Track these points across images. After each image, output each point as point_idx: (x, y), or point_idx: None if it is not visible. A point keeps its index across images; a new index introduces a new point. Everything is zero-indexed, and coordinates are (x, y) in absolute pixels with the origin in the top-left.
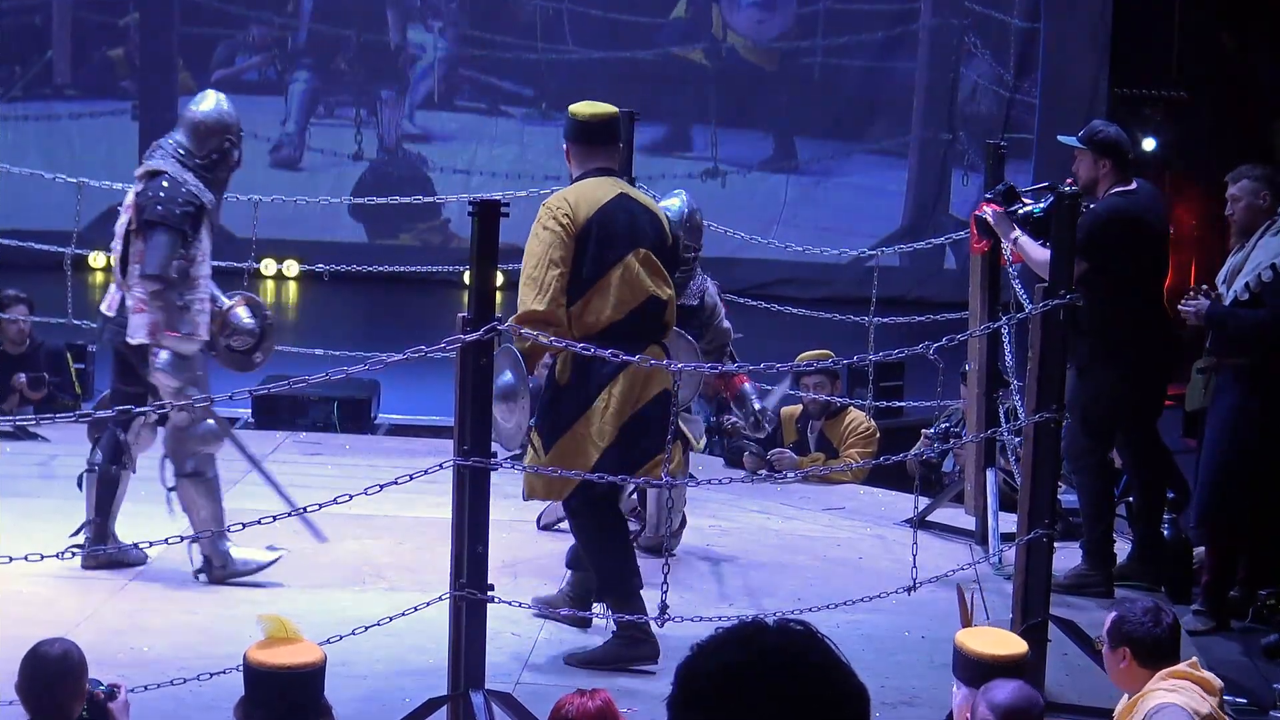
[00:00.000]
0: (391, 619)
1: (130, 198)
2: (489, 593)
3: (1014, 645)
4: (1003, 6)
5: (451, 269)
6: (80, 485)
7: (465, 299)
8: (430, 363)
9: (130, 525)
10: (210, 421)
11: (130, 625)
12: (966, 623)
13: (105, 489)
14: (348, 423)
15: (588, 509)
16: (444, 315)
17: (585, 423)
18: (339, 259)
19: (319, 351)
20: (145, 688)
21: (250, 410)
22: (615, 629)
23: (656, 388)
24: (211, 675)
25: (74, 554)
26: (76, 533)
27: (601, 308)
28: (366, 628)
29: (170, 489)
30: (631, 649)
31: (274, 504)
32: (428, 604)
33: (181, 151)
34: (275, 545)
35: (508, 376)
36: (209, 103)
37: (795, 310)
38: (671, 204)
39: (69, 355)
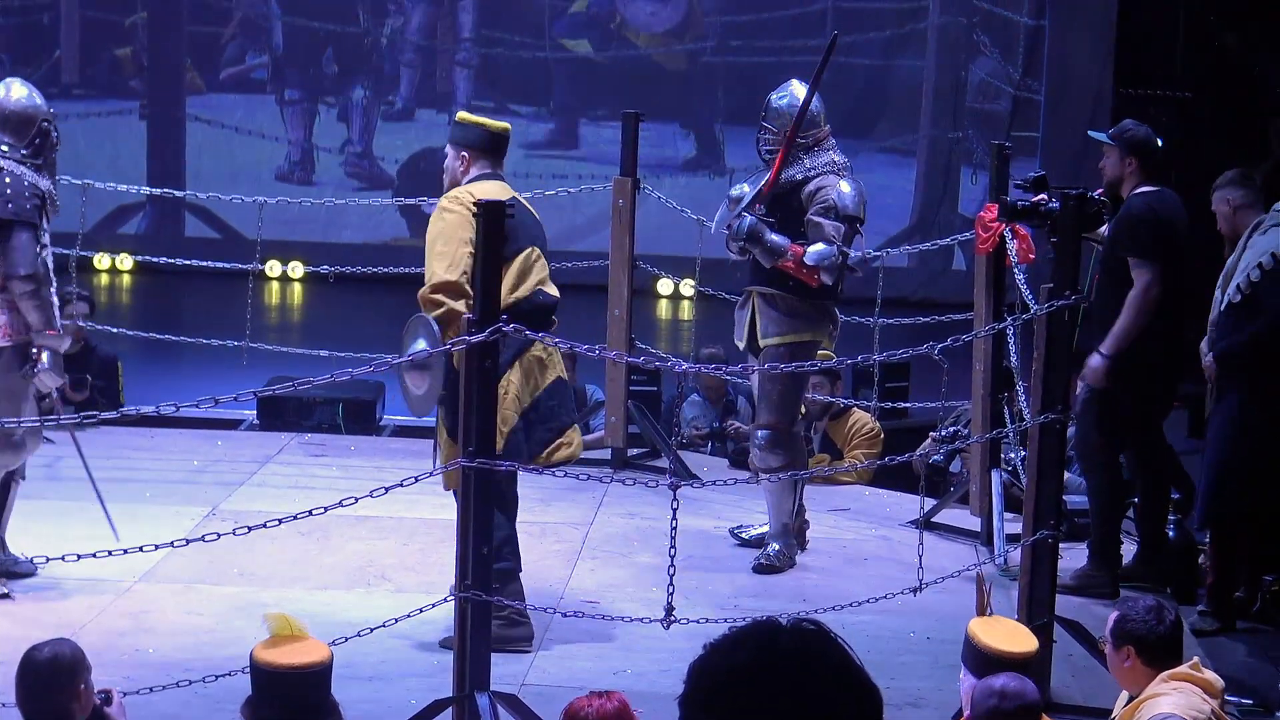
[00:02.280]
0: (397, 620)
1: None
2: (493, 594)
3: (1025, 642)
4: (1011, 4)
5: None
6: None
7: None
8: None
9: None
10: (18, 435)
11: (135, 627)
12: (982, 612)
13: None
14: (353, 424)
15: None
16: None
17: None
18: (344, 260)
19: (324, 353)
20: (150, 689)
21: (255, 412)
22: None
23: (552, 375)
24: (218, 676)
25: None
26: None
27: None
28: (372, 629)
29: None
30: (508, 629)
31: (281, 505)
32: (433, 605)
33: (4, 147)
34: (9, 586)
35: (421, 344)
36: (14, 92)
37: None
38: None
39: (120, 364)
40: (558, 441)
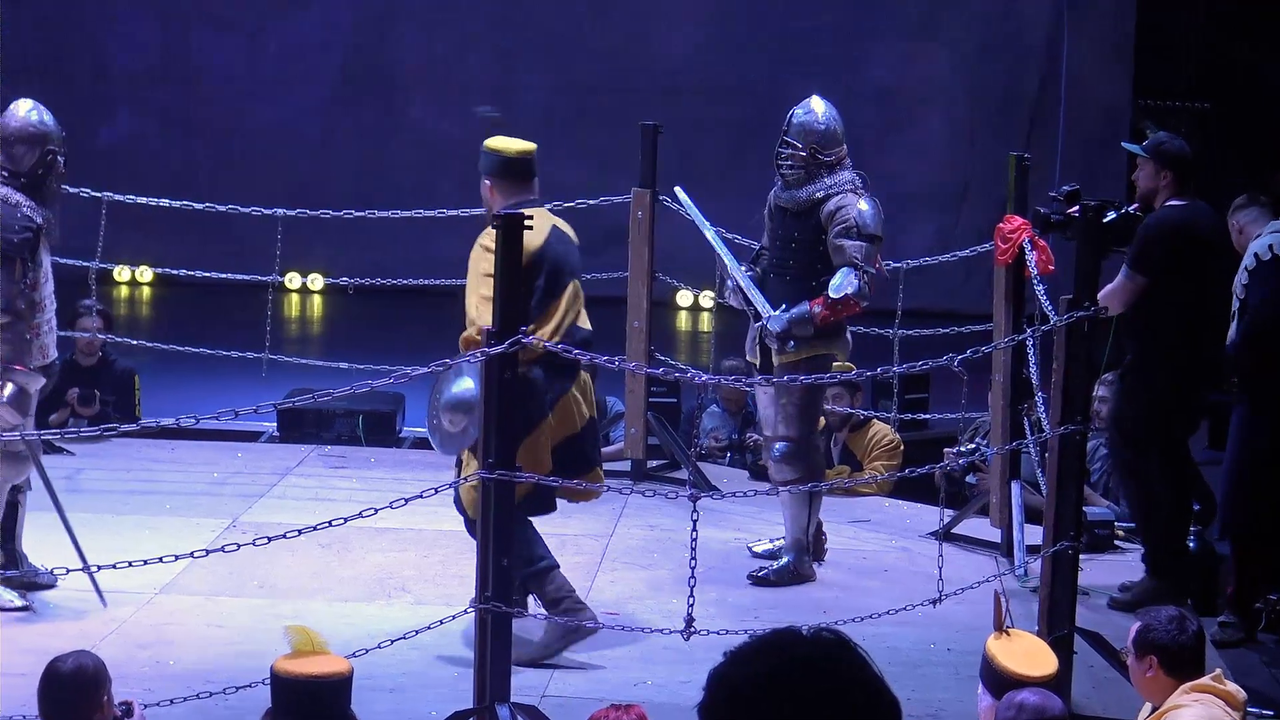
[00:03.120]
0: (417, 632)
1: None
2: (514, 606)
3: (1044, 664)
4: (1026, 18)
5: None
6: None
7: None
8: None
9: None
10: (19, 447)
11: (156, 639)
12: (1000, 627)
13: (6, 516)
14: (373, 436)
15: None
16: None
17: (532, 443)
18: (363, 272)
19: (343, 365)
20: (171, 701)
21: (275, 424)
22: (547, 611)
23: (584, 418)
24: (238, 688)
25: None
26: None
27: (545, 333)
28: (392, 641)
29: None
30: (578, 614)
31: (301, 516)
32: (453, 617)
33: (4, 174)
34: (28, 597)
35: (470, 386)
36: (21, 112)
37: None
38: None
39: (136, 378)
40: (582, 478)
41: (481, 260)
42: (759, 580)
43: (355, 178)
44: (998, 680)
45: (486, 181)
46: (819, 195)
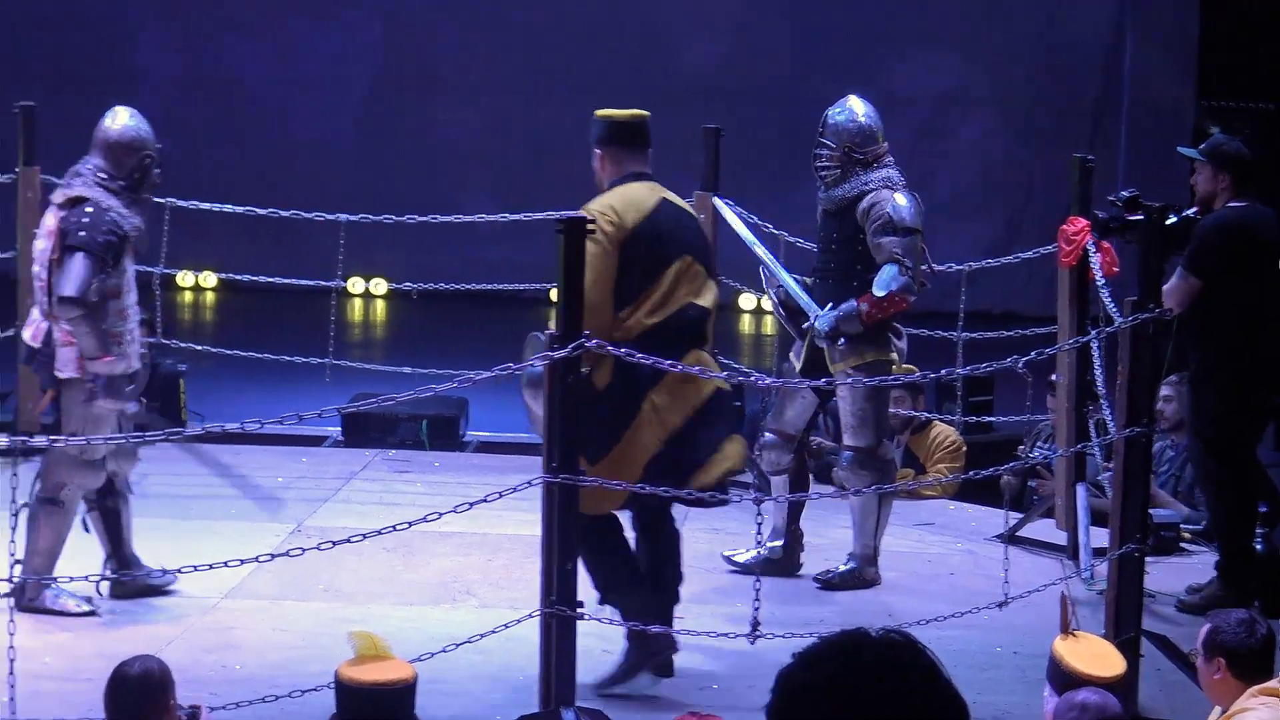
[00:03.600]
0: (482, 636)
1: (50, 222)
2: (578, 609)
3: (1111, 664)
4: (1088, 21)
5: (539, 286)
6: (86, 528)
7: (552, 316)
8: (518, 379)
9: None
10: (99, 458)
11: (221, 643)
12: (1066, 629)
13: (109, 522)
14: (437, 440)
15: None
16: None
17: (634, 434)
18: (427, 276)
19: (407, 369)
20: (237, 704)
21: (339, 428)
22: (627, 634)
23: (708, 389)
24: (303, 692)
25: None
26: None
27: (644, 313)
28: (457, 645)
29: (22, 505)
30: (653, 643)
31: (366, 521)
32: (518, 621)
33: (102, 175)
34: (94, 603)
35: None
36: (121, 120)
37: None
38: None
39: (181, 382)
40: (712, 457)
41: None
42: (825, 584)
43: (392, 182)
44: (1065, 681)
45: (597, 151)
46: (854, 194)
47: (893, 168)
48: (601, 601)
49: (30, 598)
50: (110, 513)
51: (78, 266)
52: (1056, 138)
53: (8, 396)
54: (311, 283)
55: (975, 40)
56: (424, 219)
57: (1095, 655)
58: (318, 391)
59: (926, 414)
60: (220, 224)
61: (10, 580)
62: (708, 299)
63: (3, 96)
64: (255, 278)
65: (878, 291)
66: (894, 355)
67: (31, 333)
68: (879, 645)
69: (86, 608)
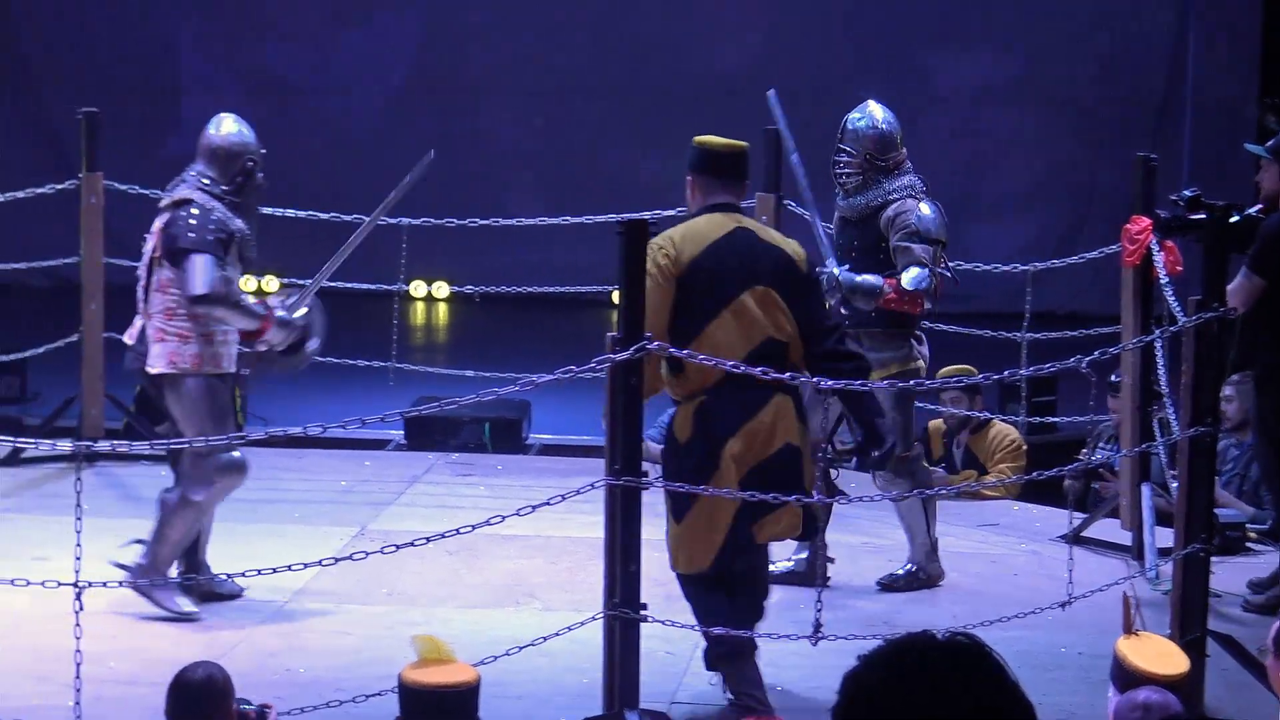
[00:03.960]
0: (545, 639)
1: (157, 224)
2: (642, 612)
3: (1175, 663)
4: (1151, 19)
5: (601, 288)
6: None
7: (614, 318)
8: (581, 382)
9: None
10: (236, 454)
11: (285, 647)
12: (1129, 630)
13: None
14: (499, 443)
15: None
16: (594, 334)
17: (714, 485)
18: (488, 280)
19: (470, 373)
20: (302, 710)
21: (402, 432)
22: (730, 699)
23: (779, 442)
24: (367, 696)
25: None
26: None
27: (723, 352)
28: (521, 648)
29: (163, 496)
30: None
31: (429, 524)
32: (581, 624)
33: (206, 180)
34: (199, 606)
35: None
36: (225, 126)
37: (946, 327)
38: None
39: (237, 387)
40: (771, 516)
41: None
42: (887, 586)
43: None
44: (1128, 680)
45: (689, 178)
46: (877, 202)
47: (914, 174)
48: (710, 666)
49: (144, 580)
50: None
51: (199, 265)
52: (1119, 136)
53: (72, 401)
54: (373, 286)
55: (1037, 39)
56: (486, 222)
57: (1159, 654)
58: (381, 395)
59: (983, 414)
60: (281, 228)
61: (123, 566)
62: (785, 331)
63: (51, 105)
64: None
65: (908, 286)
66: (920, 363)
67: (130, 331)
68: (945, 647)
69: (192, 609)
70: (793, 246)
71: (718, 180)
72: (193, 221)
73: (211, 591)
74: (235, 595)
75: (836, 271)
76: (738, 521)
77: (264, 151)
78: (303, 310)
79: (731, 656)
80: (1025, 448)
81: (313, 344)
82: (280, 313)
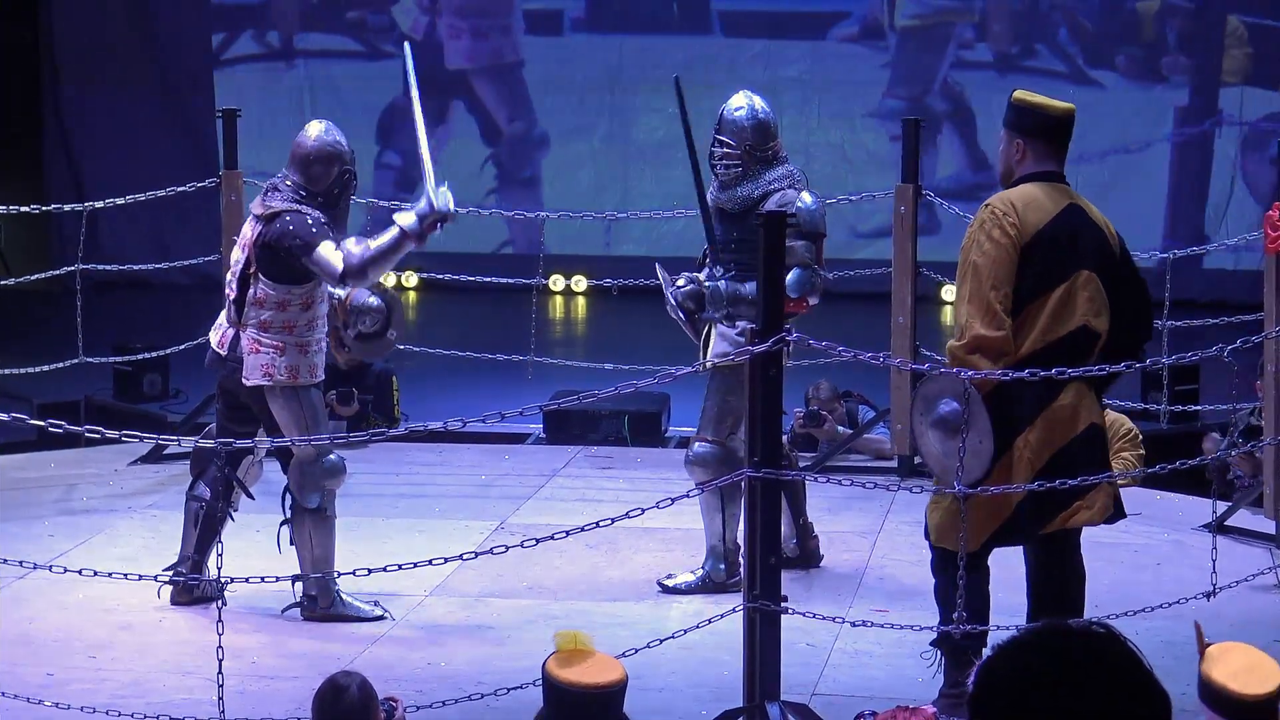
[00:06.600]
0: (686, 632)
1: (248, 233)
2: (783, 604)
3: (1265, 678)
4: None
5: None
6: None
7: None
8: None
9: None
10: (333, 456)
11: (426, 641)
12: (1202, 651)
13: (208, 528)
14: (639, 436)
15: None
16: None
17: (1002, 472)
18: (625, 273)
19: (609, 366)
20: (444, 703)
21: (541, 426)
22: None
23: (1082, 424)
24: (509, 689)
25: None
26: (171, 568)
27: (1028, 334)
28: (661, 640)
29: (284, 522)
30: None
31: (569, 518)
32: (721, 616)
33: (303, 193)
34: (383, 607)
35: (949, 404)
36: (314, 132)
37: None
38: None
39: (394, 378)
40: (1076, 505)
41: (975, 244)
42: (666, 589)
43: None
44: (1216, 699)
45: (1019, 141)
46: (758, 193)
47: (790, 163)
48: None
49: (323, 607)
50: (211, 519)
51: (324, 255)
52: (1261, 123)
53: (214, 399)
54: (512, 280)
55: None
56: (623, 215)
57: (1248, 668)
58: (520, 389)
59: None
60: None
61: (298, 605)
62: (1100, 322)
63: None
64: (456, 276)
65: (792, 293)
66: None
67: (219, 338)
68: (1080, 637)
69: (378, 612)
70: (1112, 228)
71: (1050, 146)
72: (290, 227)
73: (208, 597)
74: (215, 599)
75: (722, 285)
76: (1019, 511)
77: (354, 154)
78: (441, 191)
79: (960, 654)
80: (1141, 436)
81: (393, 333)
82: (419, 206)
